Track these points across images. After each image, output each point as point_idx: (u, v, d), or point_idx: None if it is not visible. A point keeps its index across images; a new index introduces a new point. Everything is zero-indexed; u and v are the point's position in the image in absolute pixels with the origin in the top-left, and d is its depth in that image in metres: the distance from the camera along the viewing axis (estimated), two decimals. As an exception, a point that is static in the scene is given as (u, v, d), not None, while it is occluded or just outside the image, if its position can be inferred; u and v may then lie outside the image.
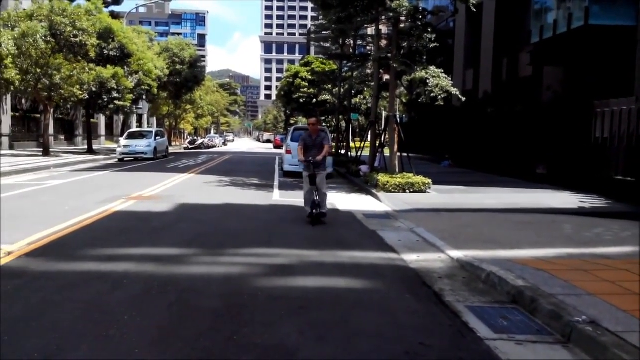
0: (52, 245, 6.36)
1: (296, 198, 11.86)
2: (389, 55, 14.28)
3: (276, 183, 15.41)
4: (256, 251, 6.40)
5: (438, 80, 12.92)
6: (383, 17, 14.94)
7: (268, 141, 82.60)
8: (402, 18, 14.00)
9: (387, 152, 15.65)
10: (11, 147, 29.17)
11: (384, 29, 17.96)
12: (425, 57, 13.96)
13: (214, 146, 53.42)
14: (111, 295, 4.57)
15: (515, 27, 21.29)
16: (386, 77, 19.67)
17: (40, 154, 24.97)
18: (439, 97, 12.97)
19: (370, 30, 22.50)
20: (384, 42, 17.48)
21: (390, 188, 12.19)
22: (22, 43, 20.41)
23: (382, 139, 15.61)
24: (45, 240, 6.59)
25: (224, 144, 66.05)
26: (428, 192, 12.42)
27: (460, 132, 22.91)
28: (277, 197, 12.15)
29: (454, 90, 13.23)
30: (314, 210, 8.36)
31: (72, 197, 11.09)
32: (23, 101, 31.79)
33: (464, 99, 14.35)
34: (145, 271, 5.30)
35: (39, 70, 21.83)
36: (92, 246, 6.38)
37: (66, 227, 7.44)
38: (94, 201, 10.12)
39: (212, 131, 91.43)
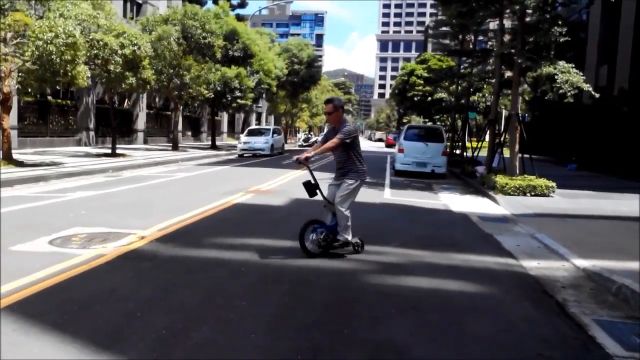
0: (180, 232, 6.87)
1: (408, 197, 11.73)
2: (513, 50, 13.56)
3: (387, 182, 15.32)
4: (367, 248, 6.38)
5: (568, 76, 12.03)
6: (507, 11, 14.22)
7: (380, 140, 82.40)
8: (529, 11, 13.21)
9: (506, 152, 14.89)
10: (145, 142, 32.01)
11: (507, 23, 17.08)
12: (553, 52, 13.07)
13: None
14: (230, 281, 4.84)
15: (661, 17, 19.18)
16: (508, 73, 18.73)
17: (170, 148, 27.13)
18: (568, 93, 12.08)
19: (493, 25, 21.54)
20: (507, 37, 16.65)
21: (509, 190, 11.58)
22: (158, 46, 22.28)
23: (502, 138, 14.87)
24: (174, 227, 7.14)
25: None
26: (551, 196, 11.63)
27: (590, 133, 21.13)
28: (389, 195, 12.08)
29: (586, 87, 12.24)
30: (314, 235, 5.79)
31: (197, 188, 11.91)
32: (156, 99, 34.74)
33: (597, 95, 13.23)
34: (261, 261, 5.54)
35: (171, 71, 23.72)
36: (214, 235, 6.80)
37: (192, 216, 8.00)
38: (216, 193, 10.77)
39: (325, 129, 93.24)
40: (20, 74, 13.74)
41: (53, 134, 23.46)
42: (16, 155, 14.97)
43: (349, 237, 5.85)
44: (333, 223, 5.84)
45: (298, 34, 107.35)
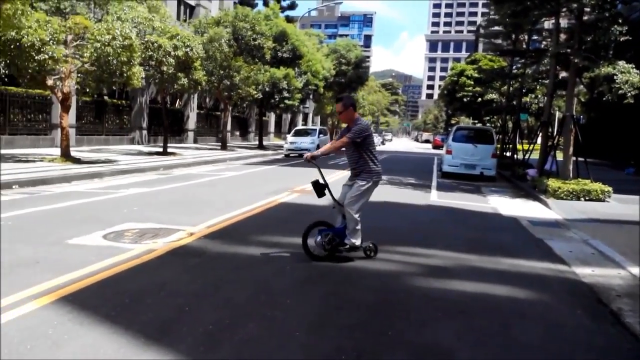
0: (227, 230, 7.00)
1: (456, 200, 11.53)
2: (569, 50, 13.11)
3: (434, 183, 15.11)
4: (412, 250, 6.34)
5: (628, 76, 11.55)
6: (564, 9, 13.76)
7: (427, 141, 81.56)
8: (587, 9, 12.73)
9: (559, 155, 14.42)
10: (195, 141, 32.78)
11: (563, 22, 16.56)
12: (611, 52, 12.55)
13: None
14: (276, 279, 4.90)
15: None
16: (563, 74, 18.12)
17: (219, 147, 27.67)
18: (628, 94, 11.58)
19: (547, 24, 20.88)
20: (562, 36, 16.12)
21: (562, 194, 11.20)
22: (209, 47, 22.77)
23: (556, 140, 14.39)
24: (222, 224, 7.28)
25: (382, 143, 66.59)
26: (607, 201, 11.17)
27: (651, 136, 20.15)
28: (435, 197, 11.91)
29: (648, 87, 11.70)
30: (319, 237, 5.52)
31: (244, 187, 12.11)
32: (207, 100, 35.52)
33: (660, 96, 12.62)
34: (306, 260, 5.55)
35: (222, 72, 24.17)
36: (260, 233, 6.89)
37: (239, 214, 8.14)
38: (263, 192, 10.91)
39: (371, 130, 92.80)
40: (79, 75, 14.36)
41: (108, 133, 24.39)
42: (74, 152, 15.64)
43: (358, 242, 5.56)
44: (342, 226, 5.60)
45: (346, 35, 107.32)
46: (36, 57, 12.30)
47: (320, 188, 5.57)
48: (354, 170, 5.65)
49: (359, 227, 5.52)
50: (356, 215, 5.47)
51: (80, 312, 3.76)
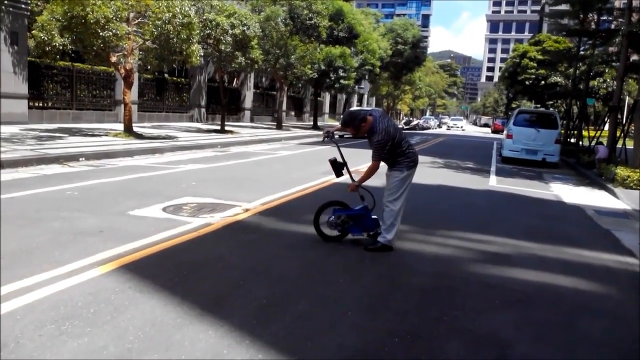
0: (281, 207, 7.05)
1: (516, 186, 11.14)
2: (644, 30, 12.29)
3: (493, 168, 14.65)
4: (469, 236, 6.17)
5: None
6: (640, -14, 12.87)
7: (485, 125, 79.41)
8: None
9: (629, 143, 13.62)
10: (251, 120, 33.18)
11: (636, 2, 15.51)
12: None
13: (428, 128, 53.19)
14: (329, 258, 4.87)
15: None
16: (634, 57, 17.07)
17: (274, 127, 27.89)
18: None
19: (618, 3, 19.64)
20: (635, 16, 15.15)
21: (631, 184, 10.60)
22: (266, 26, 22.80)
23: (627, 127, 13.59)
24: (276, 202, 7.33)
25: (439, 126, 65.25)
26: (682, 193, 10.47)
27: None
28: (494, 182, 11.54)
29: None
30: (333, 218, 5.30)
31: (298, 167, 12.14)
32: (263, 79, 35.78)
33: None
34: (360, 240, 5.49)
35: (278, 51, 24.20)
36: (314, 212, 6.86)
37: (293, 193, 8.17)
38: (316, 172, 10.90)
39: (428, 113, 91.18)
40: (140, 52, 14.71)
41: (168, 110, 25.04)
42: (136, 128, 16.14)
43: (391, 238, 5.14)
44: (359, 208, 5.28)
45: (404, 14, 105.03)
46: (101, 34, 12.67)
47: (338, 167, 5.29)
48: (385, 161, 5.26)
49: (397, 222, 5.13)
50: (396, 208, 5.11)
51: (140, 281, 3.87)
